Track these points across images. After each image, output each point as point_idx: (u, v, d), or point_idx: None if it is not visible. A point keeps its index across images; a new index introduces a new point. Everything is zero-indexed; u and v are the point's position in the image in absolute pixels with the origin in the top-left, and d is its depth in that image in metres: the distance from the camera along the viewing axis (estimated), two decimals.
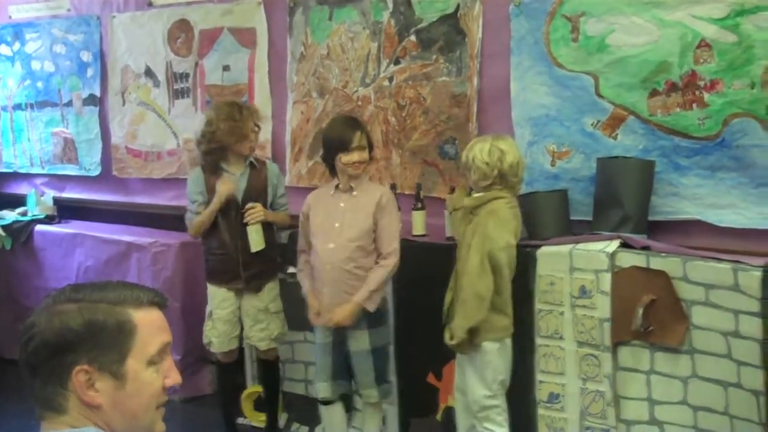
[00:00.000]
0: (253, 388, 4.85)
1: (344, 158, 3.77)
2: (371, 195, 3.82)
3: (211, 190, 4.23)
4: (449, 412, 4.09)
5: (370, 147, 3.88)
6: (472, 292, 3.48)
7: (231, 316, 4.32)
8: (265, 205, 4.25)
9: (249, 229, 4.17)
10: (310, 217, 3.92)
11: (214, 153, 4.24)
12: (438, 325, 3.77)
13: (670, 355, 3.47)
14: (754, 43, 3.52)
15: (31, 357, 1.62)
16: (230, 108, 4.26)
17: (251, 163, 4.28)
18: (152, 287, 1.77)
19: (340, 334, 3.85)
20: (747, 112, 3.56)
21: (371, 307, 3.78)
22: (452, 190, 4.05)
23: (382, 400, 3.96)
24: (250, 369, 4.91)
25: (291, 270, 4.44)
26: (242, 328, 4.38)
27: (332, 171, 3.90)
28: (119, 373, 1.64)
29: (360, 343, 3.83)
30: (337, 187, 3.87)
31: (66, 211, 6.24)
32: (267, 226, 4.26)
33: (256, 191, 4.25)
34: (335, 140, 3.81)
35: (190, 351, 5.19)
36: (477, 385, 3.60)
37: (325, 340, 3.89)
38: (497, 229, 3.50)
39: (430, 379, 4.19)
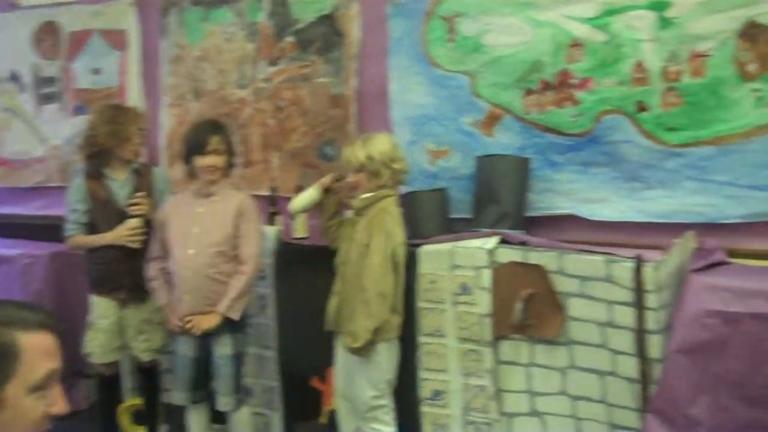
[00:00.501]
0: (131, 401, 4.73)
1: (198, 161, 3.72)
2: (231, 201, 3.78)
3: (93, 198, 4.12)
4: (334, 415, 4.08)
5: (231, 153, 3.83)
6: (377, 291, 3.48)
7: (113, 327, 4.20)
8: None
9: (131, 221, 4.05)
10: (168, 224, 3.83)
11: (96, 157, 4.13)
12: (322, 328, 3.79)
13: (548, 347, 3.56)
14: (623, 42, 3.67)
15: None
16: (112, 111, 4.16)
17: (136, 168, 4.18)
18: (43, 308, 1.68)
19: (203, 347, 3.81)
20: (617, 109, 3.71)
21: (235, 316, 3.75)
22: (299, 189, 4.03)
23: (236, 410, 3.91)
24: (127, 382, 4.79)
25: None
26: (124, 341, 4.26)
27: (192, 174, 3.84)
28: None
29: (224, 347, 3.79)
30: (195, 192, 3.81)
31: None
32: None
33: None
34: (191, 142, 3.76)
35: (64, 365, 5.02)
36: (365, 387, 3.62)
37: (186, 353, 3.83)
38: (395, 226, 3.56)
39: (314, 382, 4.18)
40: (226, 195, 3.80)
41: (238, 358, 3.84)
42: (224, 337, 3.77)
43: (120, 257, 4.10)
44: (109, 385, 4.38)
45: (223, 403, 3.87)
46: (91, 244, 4.18)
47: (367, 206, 3.61)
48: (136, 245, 4.06)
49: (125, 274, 4.13)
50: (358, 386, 3.65)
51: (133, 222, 4.06)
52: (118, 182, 4.14)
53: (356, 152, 3.61)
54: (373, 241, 3.53)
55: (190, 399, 3.91)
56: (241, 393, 3.92)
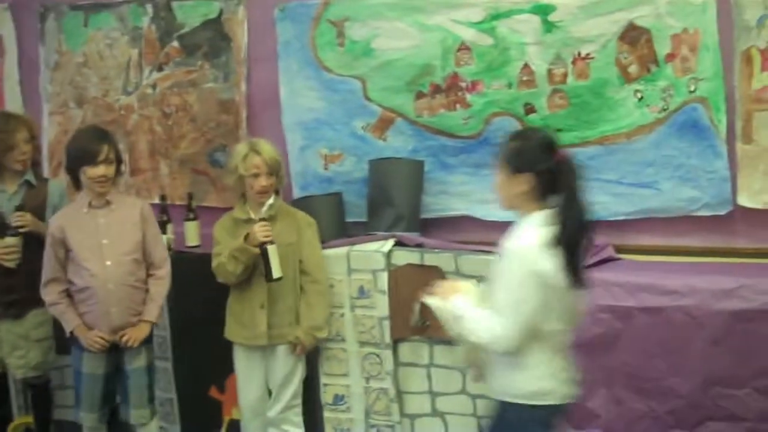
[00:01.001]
0: (20, 419, 4.57)
1: (90, 172, 3.54)
2: (131, 207, 3.68)
3: None
4: (234, 424, 4.05)
5: (119, 161, 3.68)
6: (328, 281, 3.74)
7: None
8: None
9: (8, 239, 3.85)
10: (68, 239, 3.62)
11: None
12: (218, 337, 3.76)
13: (447, 348, 3.60)
14: (509, 45, 3.76)
15: None
16: None
17: (27, 181, 3.99)
18: None
19: (113, 362, 3.71)
20: (506, 111, 3.80)
21: (158, 322, 3.74)
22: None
23: (149, 422, 3.83)
24: (16, 399, 4.62)
25: None
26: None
27: (76, 184, 3.70)
28: None
29: (138, 360, 3.70)
30: (90, 204, 3.65)
31: None
32: (39, 249, 3.99)
33: (31, 211, 3.92)
34: (80, 152, 3.57)
35: None
36: (290, 386, 3.69)
37: (96, 371, 3.69)
38: None
39: (213, 392, 4.13)
40: (123, 202, 3.70)
41: (150, 369, 3.76)
42: (138, 348, 3.68)
43: None
44: None
45: (137, 416, 3.74)
46: None
47: (276, 212, 3.66)
48: (11, 265, 3.89)
49: (1, 289, 3.97)
50: (286, 386, 3.69)
51: (10, 240, 3.86)
52: (6, 194, 3.97)
53: (271, 154, 3.62)
54: (306, 236, 3.69)
55: (98, 420, 3.75)
56: (153, 405, 3.83)
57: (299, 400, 3.76)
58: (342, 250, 3.78)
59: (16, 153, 3.92)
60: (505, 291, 2.53)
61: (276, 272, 3.52)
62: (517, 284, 2.50)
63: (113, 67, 4.65)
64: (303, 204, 3.93)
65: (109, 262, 3.57)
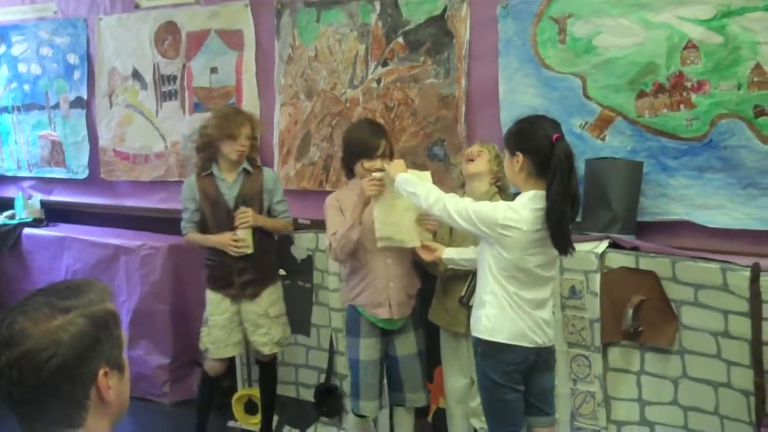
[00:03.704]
0: (243, 391, 4.82)
1: (367, 164, 3.68)
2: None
3: (203, 196, 4.21)
4: (440, 413, 4.07)
5: (392, 155, 3.79)
6: None
7: (227, 322, 4.26)
8: (259, 211, 4.22)
9: (238, 232, 4.14)
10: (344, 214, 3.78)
11: (204, 150, 4.24)
12: (428, 327, 3.79)
13: (660, 356, 3.46)
14: (740, 44, 3.51)
15: (47, 384, 1.55)
16: (227, 108, 4.33)
17: (245, 169, 4.24)
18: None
19: (385, 347, 3.79)
20: (734, 113, 3.56)
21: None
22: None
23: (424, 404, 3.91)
24: (240, 372, 4.88)
25: (281, 272, 4.44)
26: (243, 335, 4.33)
27: (349, 174, 3.84)
28: (121, 364, 1.66)
29: (408, 347, 3.78)
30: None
31: (54, 214, 6.19)
32: (264, 232, 4.24)
33: (249, 197, 4.21)
34: (360, 145, 3.73)
35: (179, 354, 5.16)
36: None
37: (371, 357, 3.76)
38: None
39: None
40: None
41: (422, 355, 3.84)
42: (407, 336, 3.78)
43: (230, 255, 4.17)
44: (214, 379, 4.42)
45: (413, 399, 3.82)
46: (199, 244, 4.29)
47: None
48: (248, 251, 4.16)
49: (236, 272, 4.21)
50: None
51: (240, 233, 4.15)
52: (227, 183, 4.22)
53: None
54: None
55: (376, 408, 3.83)
56: (427, 389, 3.88)
57: None
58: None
59: (236, 144, 4.14)
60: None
61: (473, 301, 3.52)
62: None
63: (341, 62, 4.76)
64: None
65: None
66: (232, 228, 4.16)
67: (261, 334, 4.29)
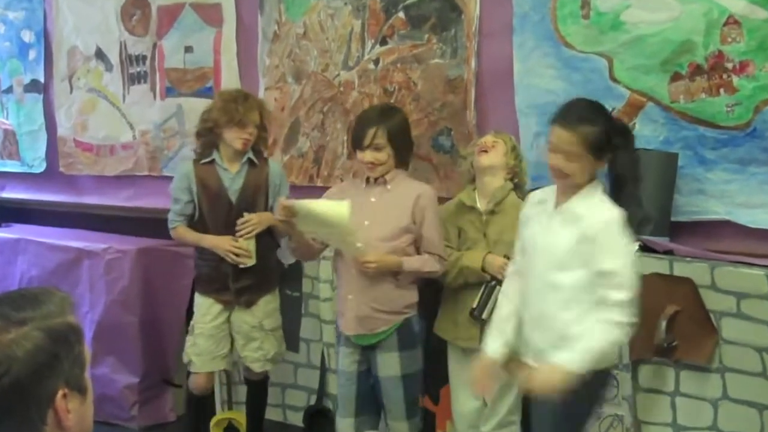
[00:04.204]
0: (222, 415, 4.81)
1: (359, 155, 3.78)
2: (409, 191, 3.78)
3: (202, 188, 4.22)
4: None
5: (396, 146, 3.76)
6: None
7: (215, 332, 4.26)
8: (264, 208, 4.24)
9: (240, 240, 4.15)
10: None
11: (206, 136, 4.26)
12: (431, 341, 3.84)
13: (697, 374, 3.46)
14: None
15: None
16: (235, 92, 4.34)
17: (250, 159, 4.24)
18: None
19: (366, 360, 3.81)
20: None
21: (401, 277, 3.75)
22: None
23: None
24: (220, 393, 4.87)
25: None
26: (231, 349, 4.33)
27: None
28: (83, 385, 1.64)
29: (389, 368, 3.76)
30: (368, 180, 3.82)
31: (6, 213, 6.19)
32: (267, 232, 4.25)
33: (254, 192, 4.21)
34: (352, 135, 3.87)
35: (150, 373, 5.15)
36: (506, 399, 3.76)
37: (346, 368, 3.83)
38: None
39: (426, 403, 4.17)
40: (404, 184, 3.84)
41: (407, 380, 3.78)
42: (389, 356, 3.76)
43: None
44: (200, 398, 4.42)
45: (393, 427, 3.84)
46: (191, 242, 4.31)
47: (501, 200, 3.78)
48: (248, 263, 4.17)
49: (232, 275, 4.21)
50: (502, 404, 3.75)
51: (242, 242, 4.16)
52: (230, 173, 4.22)
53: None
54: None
55: (354, 427, 3.84)
56: (416, 419, 3.86)
57: (517, 417, 3.75)
58: None
59: (243, 132, 4.15)
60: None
61: (486, 314, 3.61)
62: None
63: (334, 40, 4.76)
64: None
65: (359, 244, 3.67)
66: (232, 225, 4.17)
67: (253, 349, 4.28)
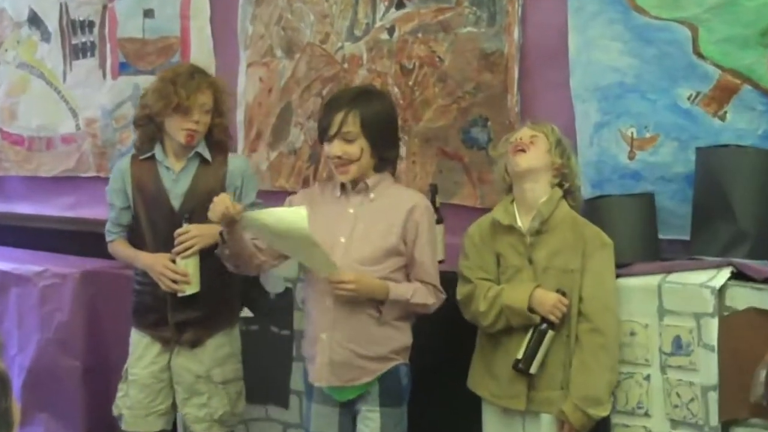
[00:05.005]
0: None
1: (325, 149, 3.74)
2: (398, 201, 3.76)
3: (138, 191, 4.23)
4: None
5: (379, 138, 3.71)
6: (616, 331, 3.66)
7: (152, 381, 4.26)
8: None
9: (178, 261, 4.11)
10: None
11: (144, 128, 4.27)
12: (463, 390, 3.85)
13: None
14: None
15: None
16: (180, 68, 4.32)
17: (200, 156, 4.22)
18: None
19: (349, 420, 3.83)
20: None
21: (385, 308, 3.70)
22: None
23: None
24: None
25: (246, 313, 4.44)
26: (173, 403, 4.33)
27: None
28: None
29: (367, 426, 3.77)
30: (343, 186, 3.78)
31: None
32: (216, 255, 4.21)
33: (204, 196, 4.06)
34: (318, 121, 3.82)
35: (95, 427, 5.16)
36: None
37: (323, 429, 3.86)
38: None
39: None
40: (391, 193, 3.82)
41: None
42: (369, 411, 3.77)
43: None
44: None
45: None
46: (126, 260, 4.34)
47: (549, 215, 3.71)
48: (187, 291, 4.13)
49: (172, 303, 4.20)
50: None
51: (181, 263, 4.11)
52: (173, 173, 4.23)
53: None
54: (594, 262, 3.66)
55: None
56: None
57: None
58: (650, 281, 3.67)
59: (186, 121, 4.12)
60: None
61: (535, 367, 3.61)
62: None
63: (336, 2, 4.78)
64: (595, 209, 3.90)
65: (333, 260, 3.65)
66: (173, 243, 4.14)
67: (196, 406, 4.27)
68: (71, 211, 5.61)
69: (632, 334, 3.69)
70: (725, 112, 3.90)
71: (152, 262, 4.16)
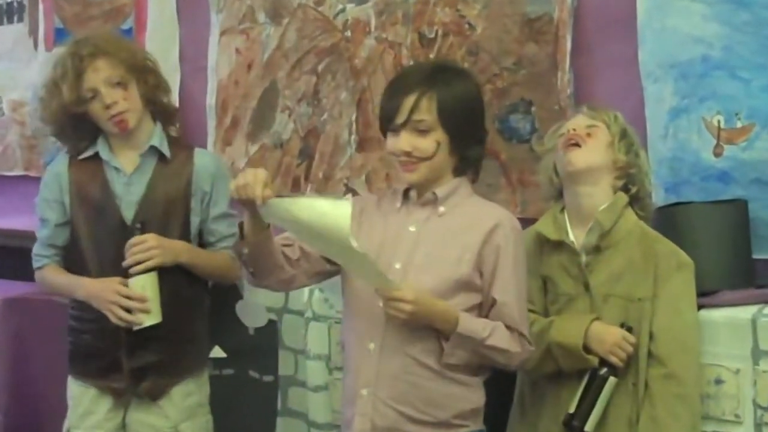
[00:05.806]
0: None
1: (388, 142, 3.60)
2: (475, 218, 3.63)
3: (79, 201, 4.23)
4: None
5: (463, 131, 3.58)
6: (695, 379, 3.65)
7: None
8: (182, 232, 4.23)
9: (132, 282, 4.08)
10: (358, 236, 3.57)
11: (69, 125, 4.25)
12: None
13: None
14: None
15: None
16: (82, 40, 4.28)
17: (155, 149, 4.23)
18: None
19: None
20: None
21: (450, 345, 3.49)
22: None
23: None
24: None
25: (218, 353, 4.45)
26: None
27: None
28: None
29: None
30: (406, 194, 3.69)
31: None
32: (186, 276, 4.24)
33: (165, 205, 4.20)
34: (381, 106, 3.67)
35: None
36: None
37: None
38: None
39: None
40: (467, 207, 3.66)
41: None
42: None
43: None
44: None
45: None
46: (61, 291, 4.36)
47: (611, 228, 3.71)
48: (141, 323, 4.09)
49: (126, 346, 4.21)
50: None
51: (136, 284, 4.08)
52: (124, 175, 4.24)
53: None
54: (670, 288, 3.65)
55: None
56: None
57: None
58: (742, 315, 3.70)
59: (98, 107, 4.12)
60: None
61: (591, 425, 3.59)
62: None
63: None
64: (670, 219, 3.93)
65: (391, 277, 3.48)
66: (125, 267, 4.12)
67: None
68: None
69: (718, 382, 3.71)
70: None
71: (99, 288, 4.10)
